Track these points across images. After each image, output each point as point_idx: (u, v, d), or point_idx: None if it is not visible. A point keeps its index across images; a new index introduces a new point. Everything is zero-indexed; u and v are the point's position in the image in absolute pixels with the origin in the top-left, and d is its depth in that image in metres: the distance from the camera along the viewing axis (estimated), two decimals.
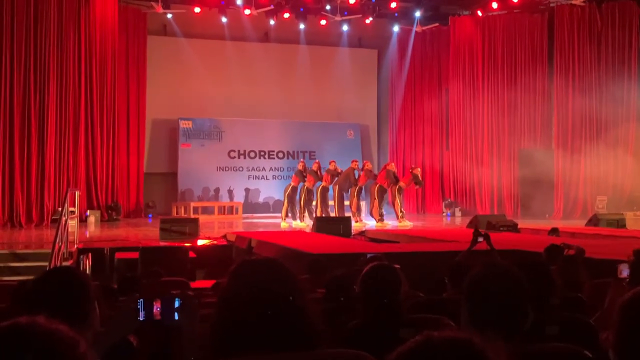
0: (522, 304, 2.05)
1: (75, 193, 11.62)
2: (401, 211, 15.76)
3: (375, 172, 16.96)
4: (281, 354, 1.70)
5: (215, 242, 11.52)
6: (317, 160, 16.82)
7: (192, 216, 15.49)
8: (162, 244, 11.03)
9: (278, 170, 20.04)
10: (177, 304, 1.97)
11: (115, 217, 16.55)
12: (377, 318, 2.88)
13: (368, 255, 6.14)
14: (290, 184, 16.13)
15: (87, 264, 9.35)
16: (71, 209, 10.75)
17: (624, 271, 3.84)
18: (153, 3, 17.70)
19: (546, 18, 19.59)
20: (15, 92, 15.02)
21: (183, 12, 18.46)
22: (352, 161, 16.23)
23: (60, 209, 11.07)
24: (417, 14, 19.75)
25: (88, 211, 15.72)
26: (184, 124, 19.24)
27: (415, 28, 20.08)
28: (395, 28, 20.59)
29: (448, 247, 8.70)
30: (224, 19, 18.85)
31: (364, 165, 16.19)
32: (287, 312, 1.73)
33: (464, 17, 20.13)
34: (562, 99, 19.08)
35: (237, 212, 18.41)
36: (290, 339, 1.72)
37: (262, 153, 20.02)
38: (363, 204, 16.83)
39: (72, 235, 10.45)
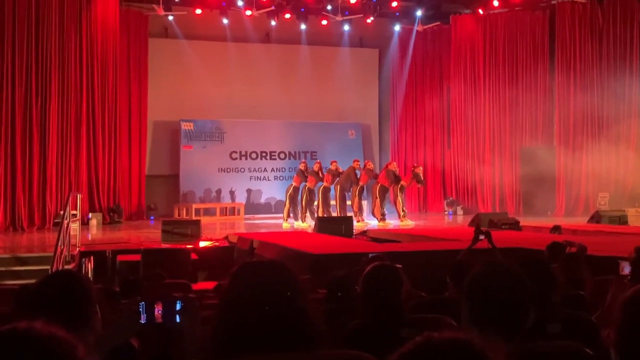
0: (523, 303, 2.05)
1: (77, 196, 11.63)
2: (403, 210, 15.76)
3: (377, 171, 16.96)
4: (282, 355, 1.70)
5: (217, 243, 11.52)
6: (318, 161, 16.82)
7: (194, 218, 15.50)
8: (164, 246, 11.03)
9: (279, 171, 20.04)
10: (178, 307, 1.97)
11: (117, 220, 16.56)
12: (379, 318, 2.88)
13: (370, 255, 6.14)
14: (291, 184, 16.14)
15: (89, 266, 9.35)
16: (73, 212, 10.76)
17: (626, 268, 3.84)
18: (154, 5, 17.73)
19: (547, 15, 19.59)
20: (17, 95, 15.03)
21: (184, 14, 18.48)
22: (354, 161, 16.23)
23: (62, 212, 11.08)
24: (418, 13, 19.76)
25: (90, 214, 15.73)
26: (185, 126, 19.25)
27: (417, 27, 20.10)
28: (397, 27, 20.60)
29: (450, 246, 8.69)
30: (225, 21, 18.87)
31: (365, 165, 16.20)
32: (288, 314, 1.74)
33: (465, 15, 20.13)
34: (564, 96, 19.07)
35: (238, 213, 18.43)
36: (291, 340, 1.72)
37: (264, 154, 20.03)
38: (365, 203, 16.82)
39: (74, 238, 10.46)
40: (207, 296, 5.09)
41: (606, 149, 18.20)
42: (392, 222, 15.48)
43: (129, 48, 18.06)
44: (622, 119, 18.32)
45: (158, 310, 1.95)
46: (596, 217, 14.39)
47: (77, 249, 10.29)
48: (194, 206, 17.82)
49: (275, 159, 20.14)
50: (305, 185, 15.91)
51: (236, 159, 19.80)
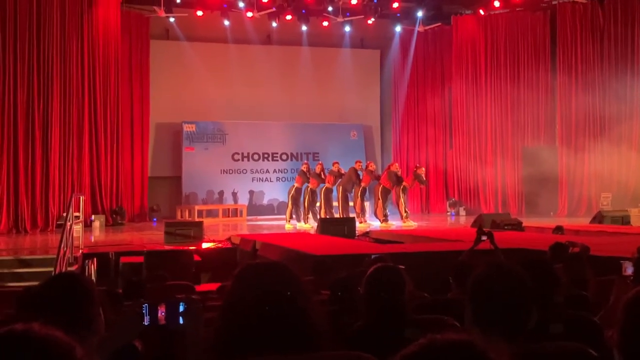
0: (526, 304, 2.05)
1: (79, 198, 11.64)
2: (405, 211, 15.75)
3: (379, 172, 16.96)
4: (285, 357, 1.70)
5: (219, 245, 11.52)
6: (320, 162, 16.80)
7: (197, 219, 15.52)
8: (166, 247, 11.04)
9: (282, 172, 20.05)
10: (181, 308, 1.97)
11: (120, 222, 16.58)
12: (382, 319, 2.88)
13: (372, 256, 6.14)
14: (293, 186, 16.14)
15: (92, 268, 9.35)
16: (76, 214, 10.77)
17: (629, 269, 3.84)
18: (155, 7, 17.75)
19: (548, 16, 19.59)
20: (19, 97, 15.05)
21: (185, 15, 18.50)
22: (356, 162, 16.23)
23: (65, 214, 11.09)
24: (419, 13, 19.77)
25: (93, 216, 15.74)
26: (187, 128, 19.28)
27: (418, 28, 20.10)
28: (398, 28, 20.60)
29: (452, 247, 8.68)
30: (226, 22, 18.90)
31: (367, 166, 16.19)
32: (291, 315, 1.74)
33: (466, 16, 20.13)
34: (566, 97, 19.06)
35: (241, 215, 18.43)
36: (294, 341, 1.72)
37: (266, 155, 20.04)
38: (367, 204, 16.82)
39: (77, 240, 10.47)
40: (210, 298, 5.09)
41: (608, 149, 18.18)
42: (394, 223, 15.48)
43: (130, 50, 18.09)
44: (624, 119, 18.30)
45: (161, 312, 1.96)
46: (599, 218, 14.36)
47: (80, 251, 10.30)
48: (197, 208, 17.83)
49: (277, 160, 20.16)
50: (308, 187, 15.91)
51: (238, 160, 19.82)
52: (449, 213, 19.67)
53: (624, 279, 3.83)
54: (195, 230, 12.11)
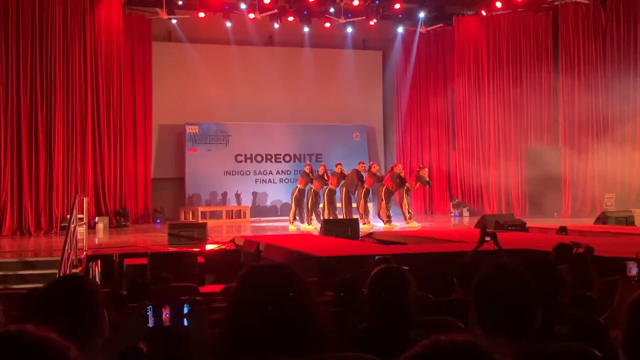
0: (530, 304, 2.05)
1: (83, 200, 11.65)
2: (409, 212, 15.75)
3: (383, 173, 16.95)
4: (289, 358, 1.70)
5: (223, 246, 11.52)
6: (323, 164, 16.81)
7: (200, 221, 15.51)
8: (170, 249, 11.04)
9: (285, 174, 20.06)
10: (186, 310, 1.97)
11: (123, 223, 16.59)
12: (386, 320, 2.88)
13: (376, 257, 6.13)
14: (297, 187, 16.15)
15: (97, 270, 9.36)
16: (79, 215, 10.78)
17: (633, 269, 3.83)
18: (157, 9, 17.75)
19: (550, 16, 19.58)
20: (22, 100, 15.09)
21: (187, 17, 18.51)
22: (359, 163, 16.24)
23: (68, 216, 11.11)
24: (421, 14, 19.75)
25: (96, 218, 15.75)
26: (190, 129, 19.30)
27: (420, 29, 20.09)
28: (400, 29, 20.60)
29: (456, 248, 8.68)
30: (228, 24, 18.90)
31: (370, 167, 16.17)
32: (295, 316, 1.74)
33: (468, 17, 20.12)
34: (568, 97, 19.04)
35: (244, 216, 18.44)
36: (298, 342, 1.72)
37: (269, 156, 20.05)
38: (370, 205, 16.81)
39: (80, 242, 10.48)
40: (215, 299, 5.10)
41: (612, 149, 18.16)
42: (398, 224, 15.48)
43: (132, 52, 18.11)
44: (627, 119, 18.27)
45: (165, 314, 1.96)
46: (603, 218, 14.34)
47: (84, 253, 10.31)
48: (200, 209, 17.83)
49: (281, 162, 20.17)
50: (311, 188, 15.92)
51: (241, 161, 19.83)
52: (452, 214, 19.65)
53: (629, 279, 3.81)
54: (199, 232, 12.10)
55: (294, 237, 12.70)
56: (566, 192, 18.87)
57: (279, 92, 19.84)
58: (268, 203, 19.79)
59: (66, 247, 9.09)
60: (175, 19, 18.42)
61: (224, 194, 19.38)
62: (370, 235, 13.27)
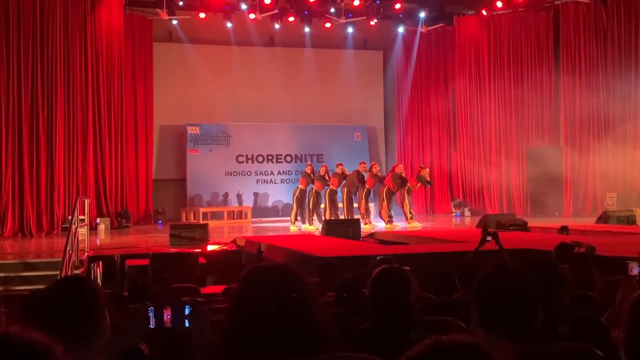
0: (531, 304, 2.05)
1: (84, 201, 11.67)
2: (410, 212, 15.75)
3: (384, 173, 16.95)
4: (291, 359, 1.70)
5: (225, 247, 11.52)
6: (324, 164, 16.81)
7: (202, 222, 15.50)
8: (172, 250, 11.04)
9: (286, 174, 20.05)
10: (187, 311, 1.98)
11: (125, 224, 16.60)
12: (387, 320, 2.88)
13: (378, 258, 6.13)
14: (298, 187, 16.15)
15: (98, 271, 9.37)
16: (81, 217, 10.79)
17: (635, 269, 3.82)
18: (158, 10, 17.76)
19: (551, 16, 19.57)
20: (23, 101, 15.10)
21: (188, 18, 18.52)
22: (360, 163, 16.23)
23: (70, 217, 11.12)
24: (422, 14, 19.75)
25: (98, 219, 15.77)
26: (191, 130, 19.30)
27: (420, 29, 20.08)
28: (400, 29, 20.59)
29: (458, 248, 8.67)
30: (229, 24, 18.90)
31: (370, 168, 16.16)
32: (296, 317, 1.74)
33: (468, 16, 20.12)
34: (570, 97, 19.04)
35: (246, 217, 18.44)
36: (299, 343, 1.72)
37: (270, 157, 20.05)
38: (372, 205, 16.81)
39: (82, 243, 10.49)
40: (216, 300, 5.10)
41: (613, 149, 18.15)
42: (399, 224, 15.48)
43: (133, 53, 18.12)
44: (629, 118, 18.25)
45: (167, 315, 1.96)
46: (604, 218, 14.33)
47: (86, 254, 10.32)
48: (202, 210, 17.84)
49: (282, 162, 20.16)
50: (312, 188, 15.92)
51: (242, 162, 19.83)
52: (453, 214, 19.64)
53: (630, 279, 3.81)
54: (201, 233, 12.10)
55: (295, 238, 12.70)
56: (567, 192, 18.86)
57: (280, 92, 19.85)
58: (269, 204, 19.79)
59: (68, 248, 9.10)
60: (176, 19, 18.43)
61: (225, 195, 19.39)
62: (371, 235, 13.26)
